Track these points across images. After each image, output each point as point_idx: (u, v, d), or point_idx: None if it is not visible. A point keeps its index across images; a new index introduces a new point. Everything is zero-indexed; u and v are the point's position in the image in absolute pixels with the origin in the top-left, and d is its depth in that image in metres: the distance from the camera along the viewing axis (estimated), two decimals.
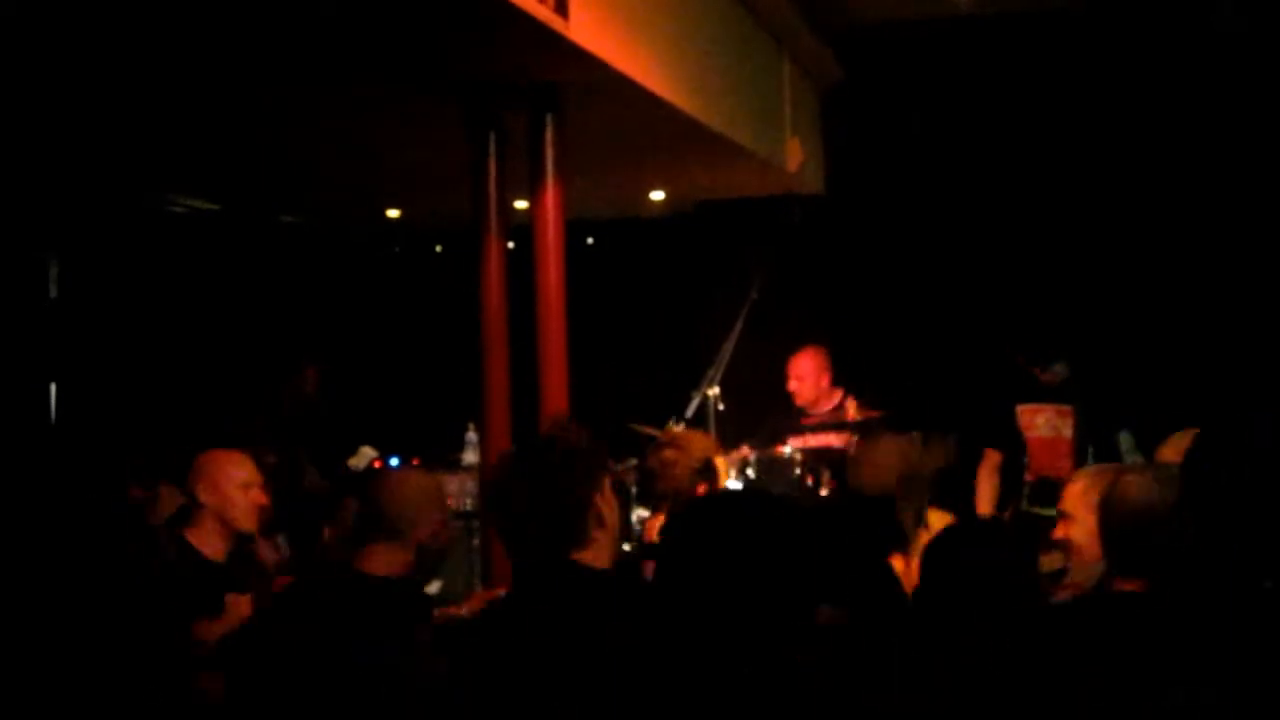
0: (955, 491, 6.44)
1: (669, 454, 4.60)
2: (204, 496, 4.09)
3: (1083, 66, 7.35)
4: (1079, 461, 5.87)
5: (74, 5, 4.05)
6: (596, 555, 2.80)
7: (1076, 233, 7.45)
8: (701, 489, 4.18)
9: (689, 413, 6.45)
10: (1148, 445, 5.80)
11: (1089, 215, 7.43)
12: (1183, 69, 7.16)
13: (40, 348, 7.27)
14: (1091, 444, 5.92)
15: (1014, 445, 6.20)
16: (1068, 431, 6.06)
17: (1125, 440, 5.90)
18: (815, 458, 6.39)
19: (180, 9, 4.16)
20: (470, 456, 6.80)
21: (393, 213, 8.55)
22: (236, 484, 4.11)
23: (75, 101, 5.35)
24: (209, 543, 4.08)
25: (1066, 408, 6.08)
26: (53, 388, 7.31)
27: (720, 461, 4.32)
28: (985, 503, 6.24)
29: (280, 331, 8.23)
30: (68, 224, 7.37)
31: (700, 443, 4.78)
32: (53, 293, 7.38)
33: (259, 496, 4.16)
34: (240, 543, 4.19)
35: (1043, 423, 6.13)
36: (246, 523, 4.13)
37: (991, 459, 6.32)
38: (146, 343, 7.52)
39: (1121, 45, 7.24)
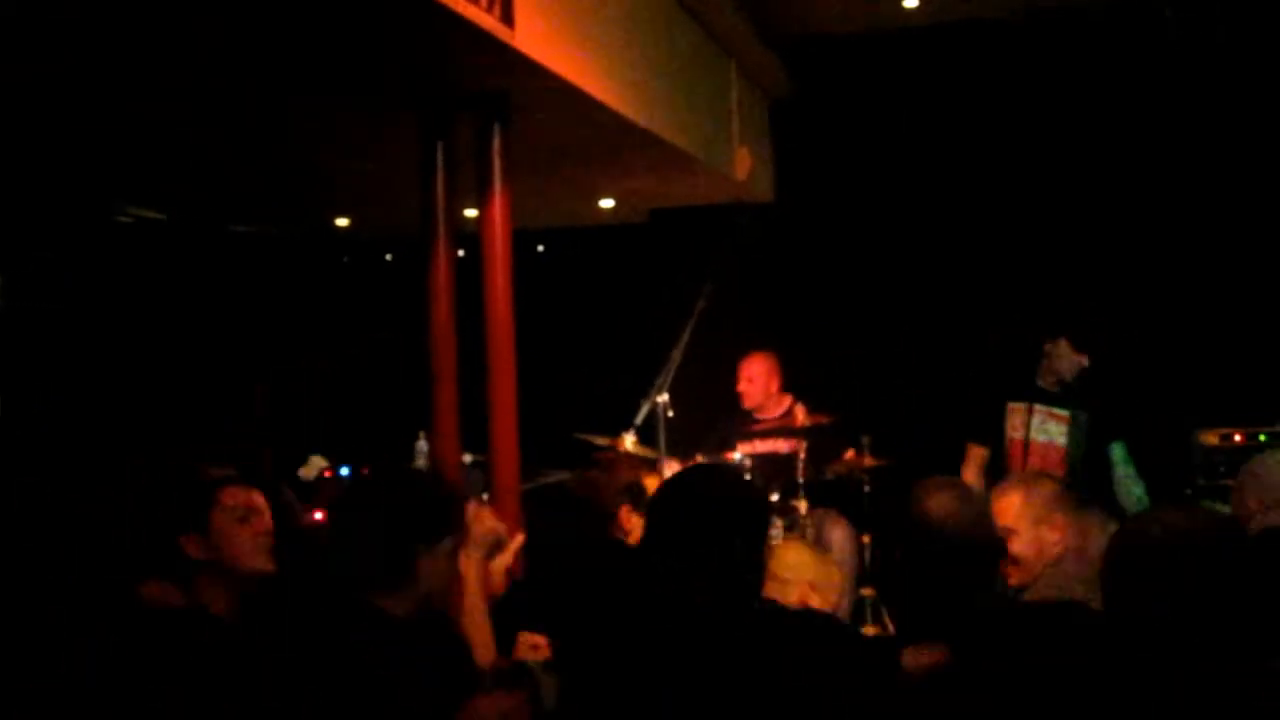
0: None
1: (595, 474, 4.60)
2: (193, 548, 3.27)
3: (1030, 76, 7.43)
4: (1071, 472, 5.73)
5: (18, 15, 4.03)
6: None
7: (1021, 237, 7.51)
8: (625, 511, 4.13)
9: (638, 420, 6.47)
10: (1141, 458, 5.86)
11: (1045, 220, 7.49)
12: (1136, 73, 7.24)
13: None
14: (1085, 454, 5.79)
15: (997, 444, 6.00)
16: (1061, 440, 5.90)
17: (1118, 451, 5.81)
18: (764, 463, 6.43)
19: (127, 21, 4.15)
20: (421, 464, 6.79)
21: (342, 221, 8.52)
22: (234, 518, 3.33)
23: (21, 111, 5.31)
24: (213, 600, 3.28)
25: (1062, 413, 5.93)
26: None
27: (651, 482, 4.30)
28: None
29: (229, 341, 8.19)
30: (13, 233, 7.30)
31: (628, 465, 4.75)
32: None
33: (266, 523, 3.39)
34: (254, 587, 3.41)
35: (1036, 424, 5.92)
36: (254, 560, 3.33)
37: (975, 455, 6.07)
38: (93, 353, 7.46)
39: (1070, 53, 7.32)
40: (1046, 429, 5.93)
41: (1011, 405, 6.01)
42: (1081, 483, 5.68)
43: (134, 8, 4.04)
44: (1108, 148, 7.38)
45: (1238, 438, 6.59)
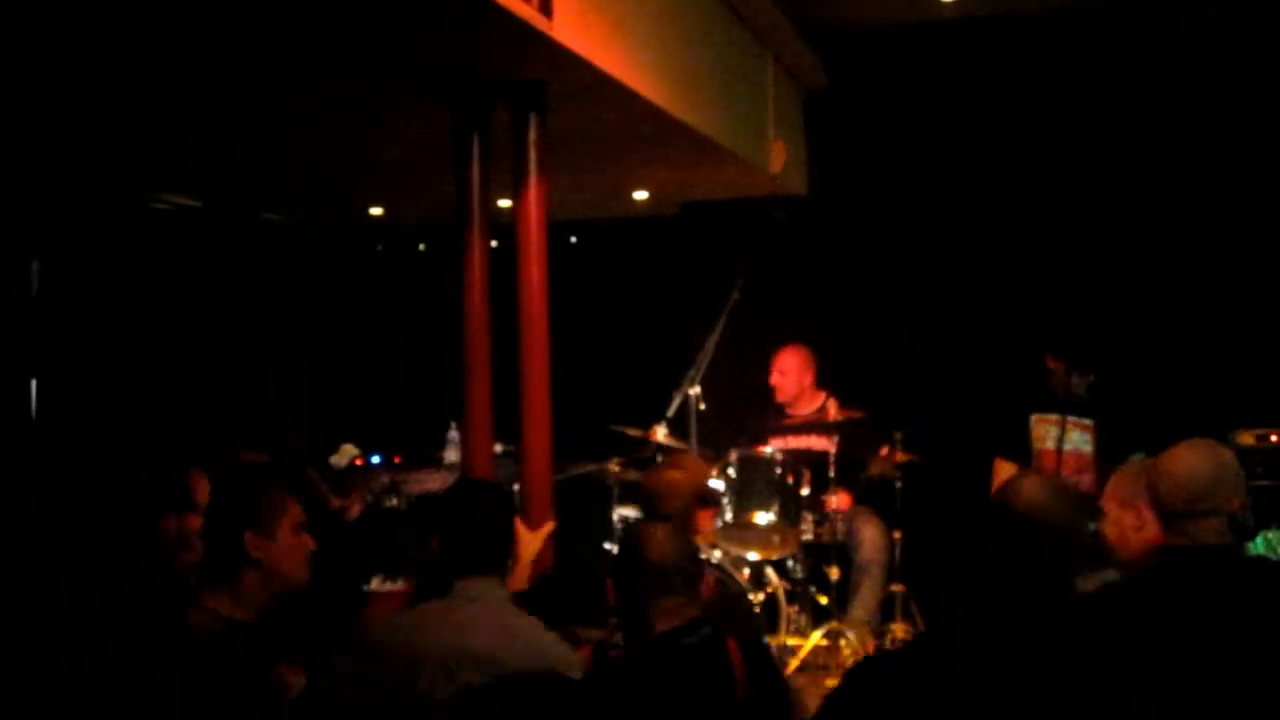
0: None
1: (675, 474, 4.67)
2: (257, 550, 3.33)
3: (1068, 70, 7.38)
4: (1101, 479, 5.69)
5: (56, 5, 4.05)
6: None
7: (1061, 236, 7.45)
8: (701, 512, 4.28)
9: (670, 412, 6.47)
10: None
11: (1078, 217, 7.43)
12: (1170, 72, 7.17)
13: (21, 345, 7.25)
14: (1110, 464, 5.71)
15: (1025, 458, 5.93)
16: (1086, 448, 5.84)
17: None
18: (796, 458, 6.42)
19: (164, 7, 4.16)
20: (452, 455, 6.83)
21: (376, 210, 8.54)
22: (290, 528, 3.41)
23: (58, 99, 5.34)
24: (241, 603, 3.35)
25: (1085, 422, 5.85)
26: (34, 385, 7.29)
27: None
28: None
29: (262, 328, 8.23)
30: (50, 221, 7.35)
31: (699, 465, 4.88)
32: (34, 289, 7.36)
33: (309, 541, 3.48)
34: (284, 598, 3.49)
35: (1058, 435, 5.85)
36: (300, 572, 3.43)
37: (1004, 473, 5.89)
38: (128, 340, 7.51)
39: (1107, 48, 7.26)
40: (1072, 438, 5.87)
41: (1036, 417, 5.96)
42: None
43: None
44: (1144, 143, 7.32)
45: (1274, 438, 6.52)
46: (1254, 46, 6.91)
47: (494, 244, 5.29)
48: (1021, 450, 5.96)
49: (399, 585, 5.43)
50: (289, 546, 3.36)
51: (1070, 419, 5.85)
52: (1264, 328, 7.03)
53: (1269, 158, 7.06)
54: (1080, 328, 6.22)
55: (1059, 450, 5.79)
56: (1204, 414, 6.52)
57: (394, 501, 6.43)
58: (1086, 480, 5.77)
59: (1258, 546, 5.37)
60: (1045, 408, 5.92)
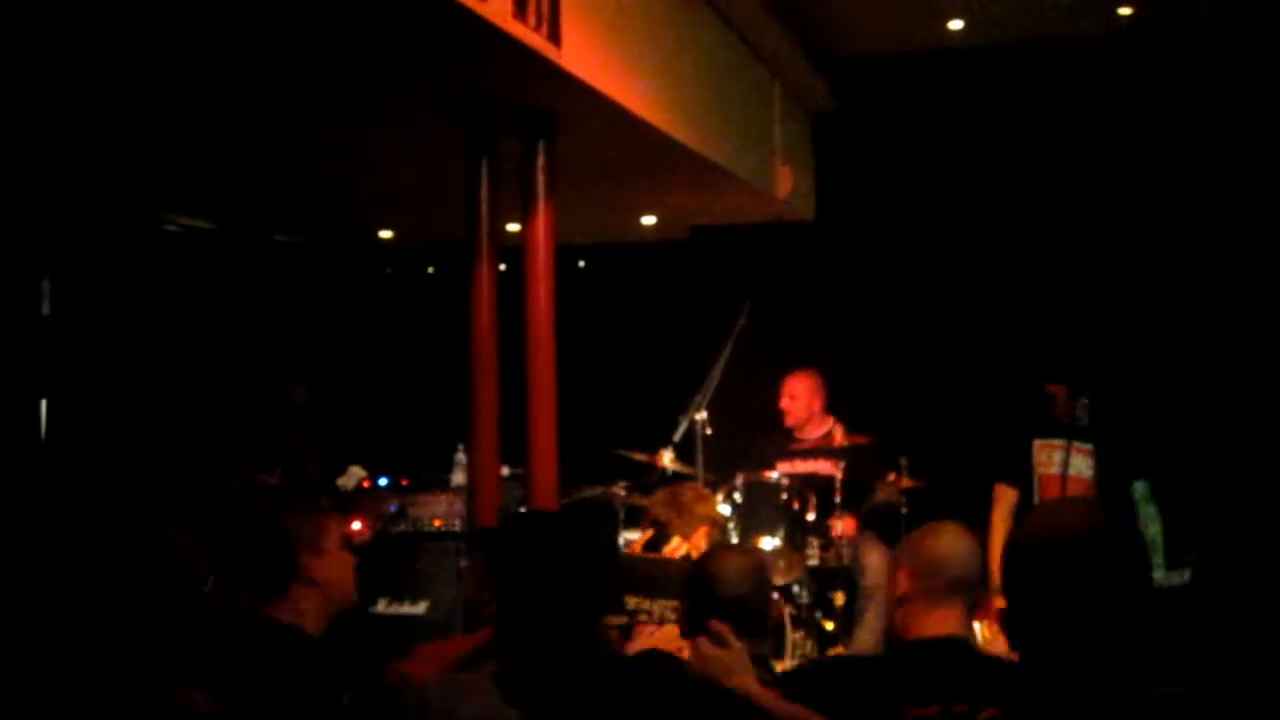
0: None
1: (683, 499, 4.64)
2: (311, 569, 3.27)
3: (1072, 96, 7.41)
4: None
5: (69, 22, 4.10)
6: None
7: (1068, 260, 7.46)
8: (703, 532, 4.28)
9: (676, 437, 6.48)
10: (1164, 496, 5.78)
11: (1083, 241, 7.45)
12: (1175, 96, 7.21)
13: (32, 364, 7.28)
14: (1109, 490, 5.66)
15: (1027, 483, 5.89)
16: (1088, 472, 5.77)
17: (1140, 490, 5.70)
18: (803, 483, 6.43)
19: (179, 28, 4.21)
20: (459, 477, 6.83)
21: (385, 233, 8.59)
22: (338, 546, 3.37)
23: (71, 118, 5.39)
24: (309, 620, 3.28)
25: (1086, 446, 5.79)
26: (44, 405, 7.32)
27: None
28: (999, 548, 5.82)
29: (272, 350, 8.26)
30: (62, 241, 7.39)
31: (706, 497, 4.89)
32: (46, 309, 7.40)
33: (351, 558, 3.43)
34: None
35: (1060, 460, 5.78)
36: (348, 588, 3.39)
37: (1006, 498, 5.96)
38: (139, 361, 7.54)
39: (1108, 76, 7.30)
40: (1075, 463, 5.80)
41: (1040, 442, 5.91)
42: None
43: (187, 18, 4.10)
44: (1149, 169, 7.34)
45: None
46: (1252, 79, 6.93)
47: (502, 267, 5.32)
48: (1022, 475, 5.93)
49: (405, 608, 5.44)
50: (340, 562, 3.33)
51: (1073, 444, 5.80)
52: (1264, 353, 7.04)
53: (1272, 186, 7.08)
54: (1081, 352, 6.21)
55: (1063, 475, 5.77)
56: (1202, 440, 6.54)
57: (402, 526, 6.45)
58: None
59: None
60: (1049, 433, 5.88)
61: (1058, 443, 5.82)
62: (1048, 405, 5.89)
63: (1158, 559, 5.45)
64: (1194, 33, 6.95)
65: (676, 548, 4.08)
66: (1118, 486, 5.65)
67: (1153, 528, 5.61)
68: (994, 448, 6.16)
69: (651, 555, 4.01)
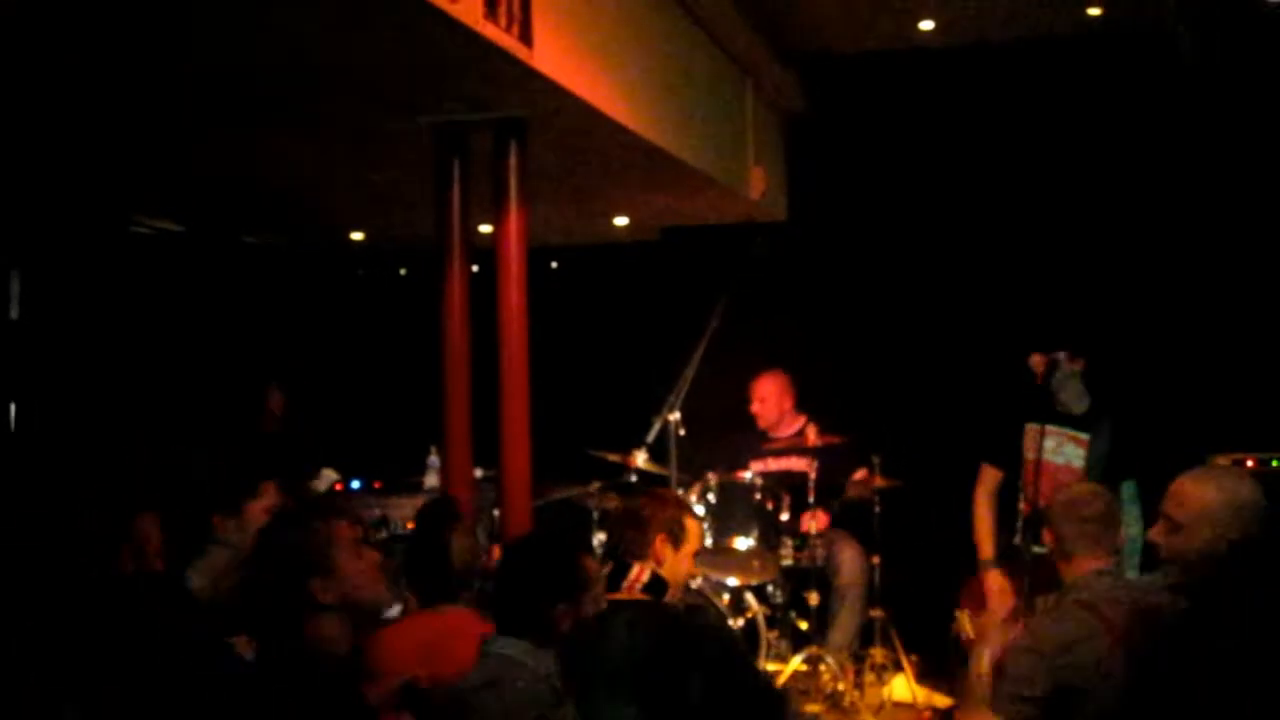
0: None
1: (642, 505, 4.33)
2: (326, 595, 2.98)
3: (1043, 98, 7.43)
4: None
5: (41, 27, 4.06)
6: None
7: (1040, 258, 7.48)
8: (660, 541, 4.01)
9: (650, 437, 6.47)
10: (1151, 497, 5.77)
11: (1055, 239, 7.47)
12: (1146, 94, 7.25)
13: (0, 367, 7.23)
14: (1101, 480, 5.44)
15: (1013, 466, 5.78)
16: (1079, 462, 5.71)
17: (1128, 490, 5.59)
18: (776, 482, 6.44)
19: (150, 33, 4.18)
20: (432, 480, 6.82)
21: (356, 235, 8.56)
22: (350, 554, 3.06)
23: (40, 120, 5.35)
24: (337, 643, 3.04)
25: (1083, 436, 5.72)
26: (12, 408, 7.27)
27: (691, 524, 4.16)
28: (985, 531, 5.77)
29: (243, 353, 8.21)
30: (30, 243, 7.34)
31: (676, 504, 4.49)
32: (14, 313, 7.34)
33: (373, 554, 3.16)
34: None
35: (1052, 447, 5.68)
36: (376, 590, 3.14)
37: (988, 478, 5.86)
38: (108, 364, 7.49)
39: (1083, 76, 7.33)
40: (1064, 451, 5.74)
41: (1030, 426, 5.75)
42: None
43: (152, 19, 4.08)
44: (1121, 169, 7.37)
45: (1250, 463, 6.57)
46: (1223, 71, 6.97)
47: (475, 269, 5.31)
48: (1011, 457, 5.79)
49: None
50: (354, 572, 3.01)
51: (1068, 432, 5.75)
52: (1252, 353, 7.09)
53: (1248, 180, 7.13)
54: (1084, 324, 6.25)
55: (1043, 459, 5.55)
56: (1193, 439, 6.57)
57: (383, 534, 6.41)
58: None
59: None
60: (1043, 418, 5.70)
61: (1051, 428, 5.70)
62: (1044, 391, 5.78)
63: (1133, 560, 5.46)
64: (1162, 34, 6.99)
65: (637, 576, 3.91)
66: (1107, 482, 5.64)
67: (1134, 529, 5.59)
68: (983, 428, 6.04)
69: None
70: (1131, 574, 5.31)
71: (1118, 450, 5.73)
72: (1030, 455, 5.61)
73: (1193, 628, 3.19)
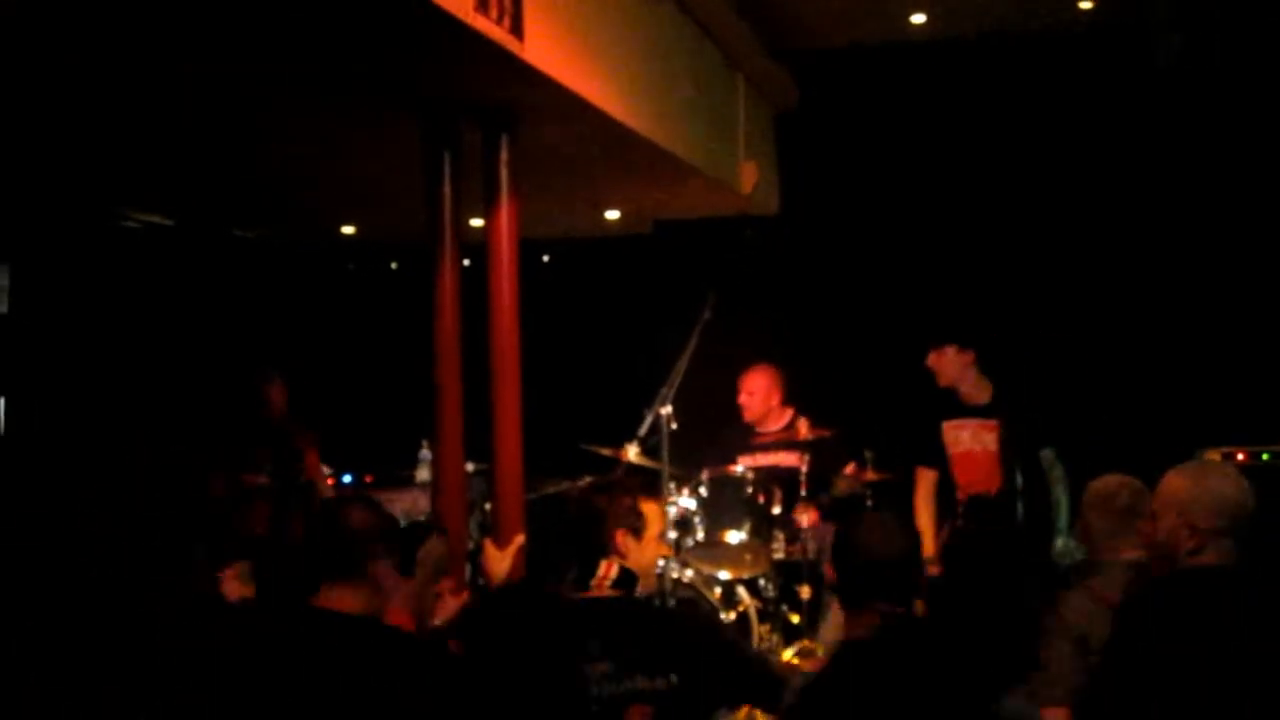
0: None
1: (597, 500, 4.30)
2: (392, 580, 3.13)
3: (1035, 91, 7.45)
4: (1008, 476, 5.99)
5: (32, 24, 4.05)
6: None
7: (1030, 250, 7.53)
8: (622, 536, 3.97)
9: (642, 431, 6.46)
10: (1071, 460, 5.97)
11: (1043, 232, 7.52)
12: (1135, 89, 7.27)
13: None
14: (1018, 460, 6.00)
15: (942, 463, 6.27)
16: (993, 446, 6.11)
17: (1047, 455, 6.01)
18: (768, 476, 6.43)
19: (137, 25, 4.17)
20: (424, 473, 6.81)
21: (347, 229, 8.54)
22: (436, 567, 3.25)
23: (28, 114, 5.33)
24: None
25: (991, 422, 6.14)
26: (1, 402, 7.25)
27: (649, 508, 4.10)
28: (926, 525, 6.23)
29: (233, 347, 8.19)
30: (20, 238, 7.32)
31: (626, 489, 4.42)
32: (3, 307, 7.32)
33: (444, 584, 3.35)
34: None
35: (968, 438, 6.19)
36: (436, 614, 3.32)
37: (926, 479, 6.36)
38: (99, 358, 7.47)
39: (1074, 70, 7.34)
40: (982, 439, 6.17)
41: (947, 423, 6.28)
42: (1015, 488, 5.98)
43: (145, 12, 4.06)
44: (1112, 162, 7.39)
45: (1240, 456, 6.58)
46: (1206, 69, 7.02)
47: (466, 262, 5.30)
48: (938, 456, 6.29)
49: None
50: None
51: (977, 421, 6.18)
52: (1246, 347, 7.14)
53: (1218, 175, 7.18)
54: (979, 324, 6.50)
55: (967, 450, 6.19)
56: (1185, 432, 6.63)
57: None
58: (996, 478, 6.05)
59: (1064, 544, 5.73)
60: (954, 414, 6.25)
61: (963, 421, 6.22)
62: (946, 390, 6.24)
63: (1061, 523, 5.74)
64: (1152, 35, 7.03)
65: (605, 573, 3.87)
66: (1025, 455, 5.99)
67: (1058, 489, 5.89)
68: (905, 437, 6.48)
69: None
70: (1059, 541, 5.63)
71: (1028, 423, 6.09)
72: (963, 448, 6.21)
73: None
